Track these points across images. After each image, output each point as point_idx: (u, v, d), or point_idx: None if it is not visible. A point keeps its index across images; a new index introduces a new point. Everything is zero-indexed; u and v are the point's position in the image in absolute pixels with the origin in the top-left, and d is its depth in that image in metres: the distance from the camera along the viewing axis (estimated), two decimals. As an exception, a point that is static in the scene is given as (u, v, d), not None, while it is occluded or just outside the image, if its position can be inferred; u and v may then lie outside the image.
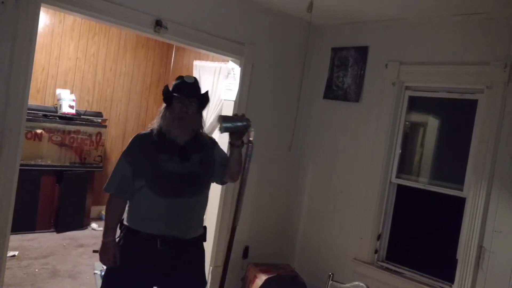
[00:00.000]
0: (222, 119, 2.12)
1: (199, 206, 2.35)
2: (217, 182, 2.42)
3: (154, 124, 2.30)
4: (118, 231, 2.33)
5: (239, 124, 2.13)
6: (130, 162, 2.23)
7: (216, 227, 3.88)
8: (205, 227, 2.42)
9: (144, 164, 2.21)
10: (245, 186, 2.15)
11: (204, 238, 2.41)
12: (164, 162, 2.20)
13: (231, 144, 2.26)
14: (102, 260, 2.24)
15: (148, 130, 2.31)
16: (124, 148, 2.32)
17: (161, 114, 2.28)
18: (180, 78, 2.29)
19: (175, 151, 2.23)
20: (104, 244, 2.23)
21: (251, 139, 2.18)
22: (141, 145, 2.27)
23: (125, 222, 2.29)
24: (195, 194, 2.28)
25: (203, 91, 2.32)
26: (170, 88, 2.27)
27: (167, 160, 2.21)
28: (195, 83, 2.29)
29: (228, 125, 2.11)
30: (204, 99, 2.30)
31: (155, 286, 2.30)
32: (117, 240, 2.29)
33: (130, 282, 2.21)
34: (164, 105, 2.30)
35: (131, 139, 2.33)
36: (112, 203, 2.28)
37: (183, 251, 2.26)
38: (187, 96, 2.22)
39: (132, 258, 2.22)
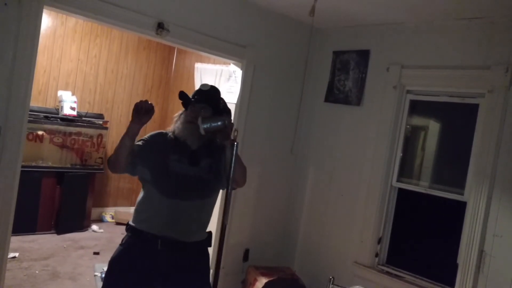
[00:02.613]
0: (201, 120, 2.12)
1: (202, 211, 2.35)
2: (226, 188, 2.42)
3: (170, 129, 2.36)
4: (117, 230, 2.33)
5: (219, 123, 2.12)
6: (140, 147, 2.25)
7: (217, 231, 3.87)
8: (210, 232, 2.42)
9: (154, 159, 2.24)
10: (233, 185, 2.15)
11: (209, 243, 2.41)
12: (172, 162, 2.23)
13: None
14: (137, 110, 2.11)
15: (166, 131, 2.37)
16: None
17: (175, 119, 2.35)
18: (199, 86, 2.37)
19: (186, 154, 2.25)
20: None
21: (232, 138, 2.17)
22: (158, 140, 2.32)
23: (130, 222, 2.31)
24: (198, 198, 2.28)
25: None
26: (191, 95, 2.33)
27: (176, 161, 2.23)
28: (210, 91, 2.32)
29: (207, 125, 2.11)
30: (219, 107, 2.30)
31: None
32: (121, 240, 2.31)
33: (131, 283, 2.21)
34: (181, 110, 2.36)
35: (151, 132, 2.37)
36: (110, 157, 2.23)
37: (185, 255, 2.26)
38: (197, 101, 2.26)
39: (133, 259, 2.23)
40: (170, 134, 2.32)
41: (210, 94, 2.32)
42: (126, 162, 2.19)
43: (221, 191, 2.43)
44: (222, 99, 2.36)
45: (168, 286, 2.27)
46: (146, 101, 2.13)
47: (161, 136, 2.34)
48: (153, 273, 2.21)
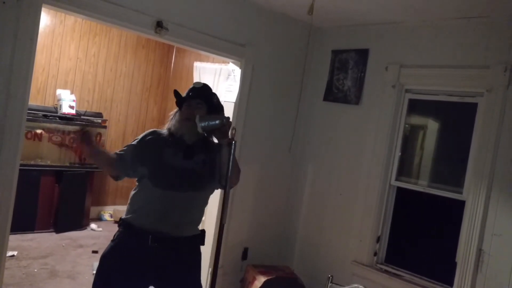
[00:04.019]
0: (199, 118, 2.13)
1: (194, 204, 2.35)
2: (219, 187, 2.42)
3: (165, 127, 2.39)
4: (116, 228, 2.35)
5: (217, 122, 2.12)
6: (136, 147, 2.31)
7: (215, 230, 3.88)
8: (203, 231, 2.42)
9: (149, 154, 2.27)
10: (229, 185, 2.15)
11: (202, 242, 2.41)
12: (167, 155, 2.26)
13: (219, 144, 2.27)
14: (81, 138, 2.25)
15: (163, 130, 2.41)
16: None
17: (171, 117, 2.39)
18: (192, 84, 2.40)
19: (181, 148, 2.28)
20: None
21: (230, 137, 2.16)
22: (152, 137, 2.35)
23: (122, 217, 2.33)
24: (190, 190, 2.29)
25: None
26: (183, 94, 2.36)
27: (171, 154, 2.27)
28: (203, 88, 2.36)
29: (204, 123, 2.12)
30: (213, 103, 2.34)
31: (150, 285, 2.31)
32: (114, 234, 2.32)
33: (122, 279, 2.21)
34: (176, 109, 2.39)
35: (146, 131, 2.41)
36: None
37: (176, 250, 2.27)
38: (192, 97, 2.30)
39: (124, 255, 2.23)
40: (164, 132, 2.36)
41: (203, 90, 2.36)
42: (117, 170, 2.31)
43: (218, 191, 2.44)
44: (215, 95, 2.40)
45: (159, 282, 2.28)
46: (84, 134, 2.23)
47: (155, 134, 2.37)
48: (144, 269, 2.22)
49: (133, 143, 2.34)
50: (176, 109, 2.40)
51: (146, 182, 2.26)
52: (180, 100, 2.35)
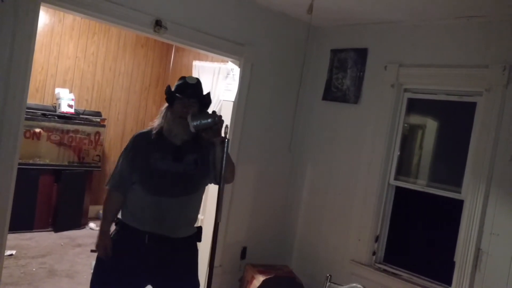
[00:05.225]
0: (191, 117, 2.11)
1: (189, 206, 2.35)
2: (213, 183, 2.42)
3: (154, 123, 2.33)
4: (113, 226, 2.35)
5: (209, 120, 2.11)
6: (128, 159, 2.29)
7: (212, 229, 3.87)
8: (200, 228, 2.42)
9: (139, 161, 2.24)
10: (224, 183, 2.14)
11: (198, 239, 2.41)
12: (156, 160, 2.22)
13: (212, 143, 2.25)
14: (97, 249, 2.28)
15: (148, 128, 2.34)
16: (124, 146, 2.37)
17: (162, 114, 2.32)
18: (183, 78, 2.32)
19: (170, 151, 2.24)
20: (100, 233, 2.29)
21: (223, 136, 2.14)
22: (139, 142, 2.31)
23: (119, 216, 2.32)
24: (184, 194, 2.28)
25: (204, 92, 2.34)
26: (173, 89, 2.30)
27: (159, 158, 2.23)
28: (197, 84, 2.31)
29: (197, 122, 2.10)
30: (205, 101, 2.31)
31: (148, 283, 2.31)
32: (111, 233, 2.32)
33: (119, 277, 2.21)
34: (165, 105, 2.34)
35: (132, 136, 2.37)
36: (107, 197, 2.34)
37: (172, 250, 2.27)
38: (189, 96, 2.24)
39: (122, 253, 2.24)
40: (153, 131, 2.29)
41: (198, 87, 2.31)
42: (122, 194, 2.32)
43: (213, 188, 2.42)
44: (208, 93, 2.36)
45: (156, 281, 2.28)
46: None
47: (144, 138, 2.31)
48: (141, 268, 2.22)
49: (122, 156, 2.31)
50: (166, 104, 2.34)
51: (137, 187, 2.24)
52: (172, 96, 2.28)
